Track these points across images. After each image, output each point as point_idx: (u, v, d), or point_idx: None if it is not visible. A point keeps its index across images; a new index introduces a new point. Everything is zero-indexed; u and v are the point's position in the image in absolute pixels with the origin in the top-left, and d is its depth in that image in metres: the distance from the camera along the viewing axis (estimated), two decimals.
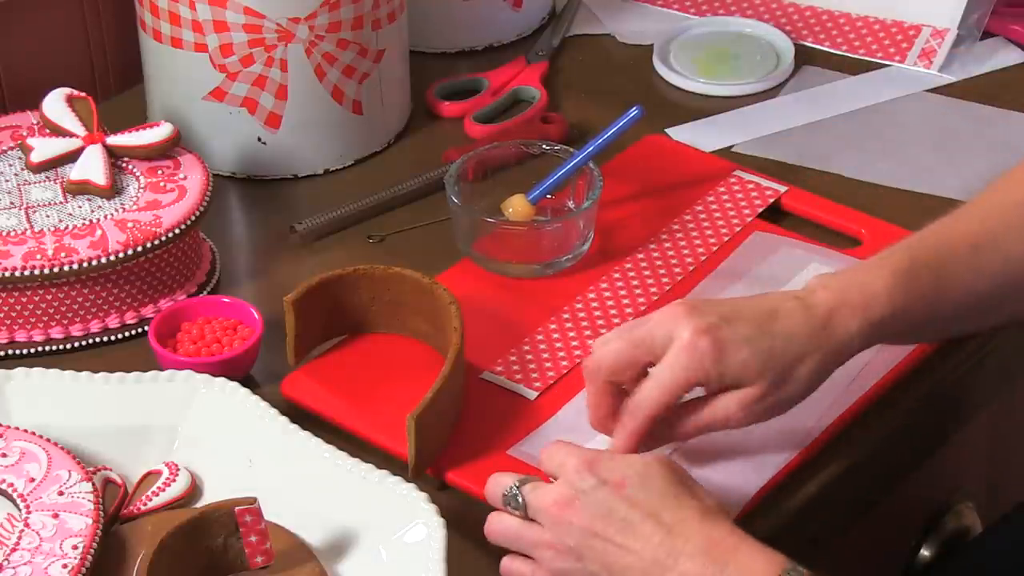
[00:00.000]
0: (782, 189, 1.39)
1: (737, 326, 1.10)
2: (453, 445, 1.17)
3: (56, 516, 1.08)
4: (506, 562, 1.09)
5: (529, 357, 1.24)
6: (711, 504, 1.05)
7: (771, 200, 1.38)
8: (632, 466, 1.06)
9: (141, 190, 1.31)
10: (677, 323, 1.10)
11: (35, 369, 1.20)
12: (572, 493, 1.06)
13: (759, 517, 1.13)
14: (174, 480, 1.14)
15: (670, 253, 1.33)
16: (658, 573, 1.03)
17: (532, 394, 1.21)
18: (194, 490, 1.15)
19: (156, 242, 1.27)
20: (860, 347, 1.13)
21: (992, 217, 1.18)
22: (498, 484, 1.09)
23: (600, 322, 1.27)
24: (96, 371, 1.20)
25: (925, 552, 1.40)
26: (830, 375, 1.13)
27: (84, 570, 1.05)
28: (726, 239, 1.34)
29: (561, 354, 1.24)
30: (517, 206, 1.34)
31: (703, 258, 1.32)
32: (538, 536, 1.07)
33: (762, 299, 1.13)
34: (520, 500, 1.08)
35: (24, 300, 1.26)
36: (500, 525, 1.09)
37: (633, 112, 1.36)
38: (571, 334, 1.26)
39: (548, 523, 1.06)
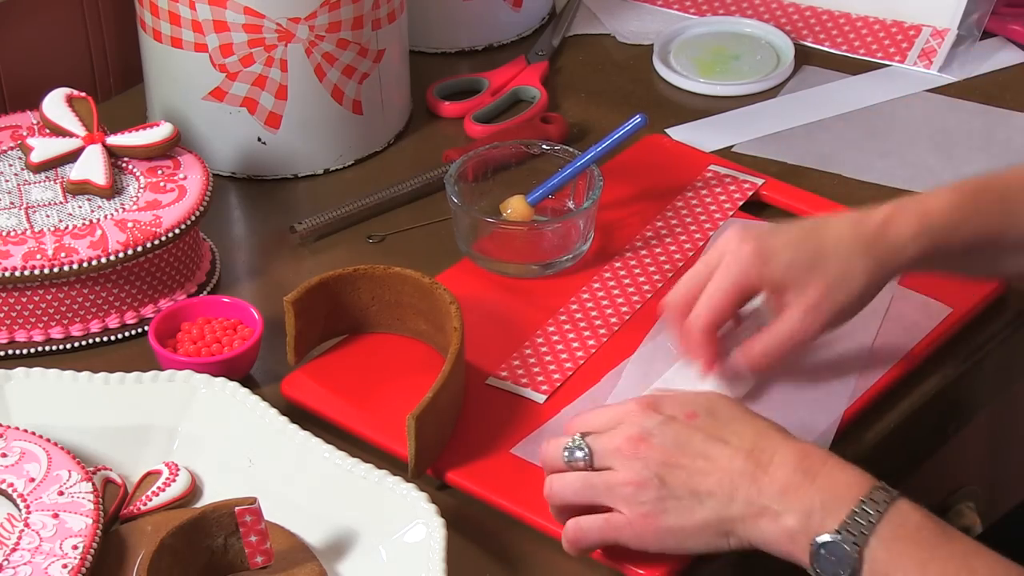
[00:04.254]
0: (759, 182, 1.40)
1: (782, 234, 1.14)
2: (453, 445, 1.17)
3: (56, 516, 1.08)
4: (570, 525, 1.07)
5: (532, 360, 1.24)
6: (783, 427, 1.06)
7: (750, 193, 1.38)
8: (695, 400, 1.07)
9: (141, 190, 1.31)
10: (727, 242, 1.15)
11: (35, 369, 1.20)
12: (642, 431, 1.05)
13: None
14: (174, 480, 1.14)
15: (658, 251, 1.33)
16: (746, 484, 1.02)
17: (541, 398, 1.21)
18: (194, 490, 1.15)
19: (156, 242, 1.27)
20: (915, 256, 1.13)
21: None
22: (556, 444, 1.08)
23: (598, 322, 1.27)
24: (96, 371, 1.20)
25: None
26: (885, 284, 1.14)
27: (84, 570, 1.05)
28: (711, 234, 1.35)
29: (564, 356, 1.24)
30: (516, 207, 1.34)
31: (691, 254, 1.33)
32: (612, 478, 1.05)
33: (815, 217, 1.17)
34: (586, 449, 1.06)
35: (24, 300, 1.26)
36: (564, 480, 1.07)
37: (636, 120, 1.36)
38: (571, 335, 1.26)
39: (622, 463, 1.05)
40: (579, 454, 1.06)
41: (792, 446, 1.03)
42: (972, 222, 1.14)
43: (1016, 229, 1.15)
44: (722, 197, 1.38)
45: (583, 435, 1.07)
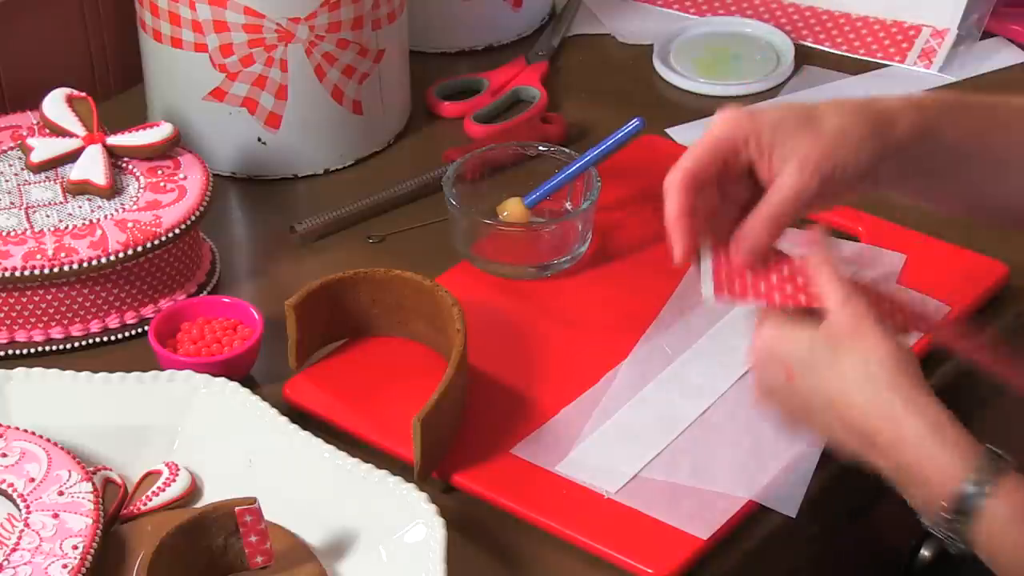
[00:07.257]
0: None
1: (773, 104, 1.11)
2: (458, 447, 1.17)
3: (56, 516, 1.08)
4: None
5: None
6: None
7: None
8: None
9: (141, 190, 1.31)
10: (719, 113, 1.08)
11: (35, 369, 1.20)
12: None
13: (760, 516, 1.13)
14: (174, 480, 1.14)
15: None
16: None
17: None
18: (194, 490, 1.15)
19: (156, 242, 1.27)
20: (908, 132, 1.07)
21: None
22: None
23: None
24: (96, 371, 1.20)
25: (925, 552, 1.40)
26: (882, 152, 1.06)
27: (84, 570, 1.05)
28: None
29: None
30: (512, 209, 1.34)
31: None
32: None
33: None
34: None
35: (24, 300, 1.26)
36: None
37: (634, 124, 1.35)
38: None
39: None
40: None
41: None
42: (962, 124, 1.08)
43: (1002, 143, 1.11)
44: None
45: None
